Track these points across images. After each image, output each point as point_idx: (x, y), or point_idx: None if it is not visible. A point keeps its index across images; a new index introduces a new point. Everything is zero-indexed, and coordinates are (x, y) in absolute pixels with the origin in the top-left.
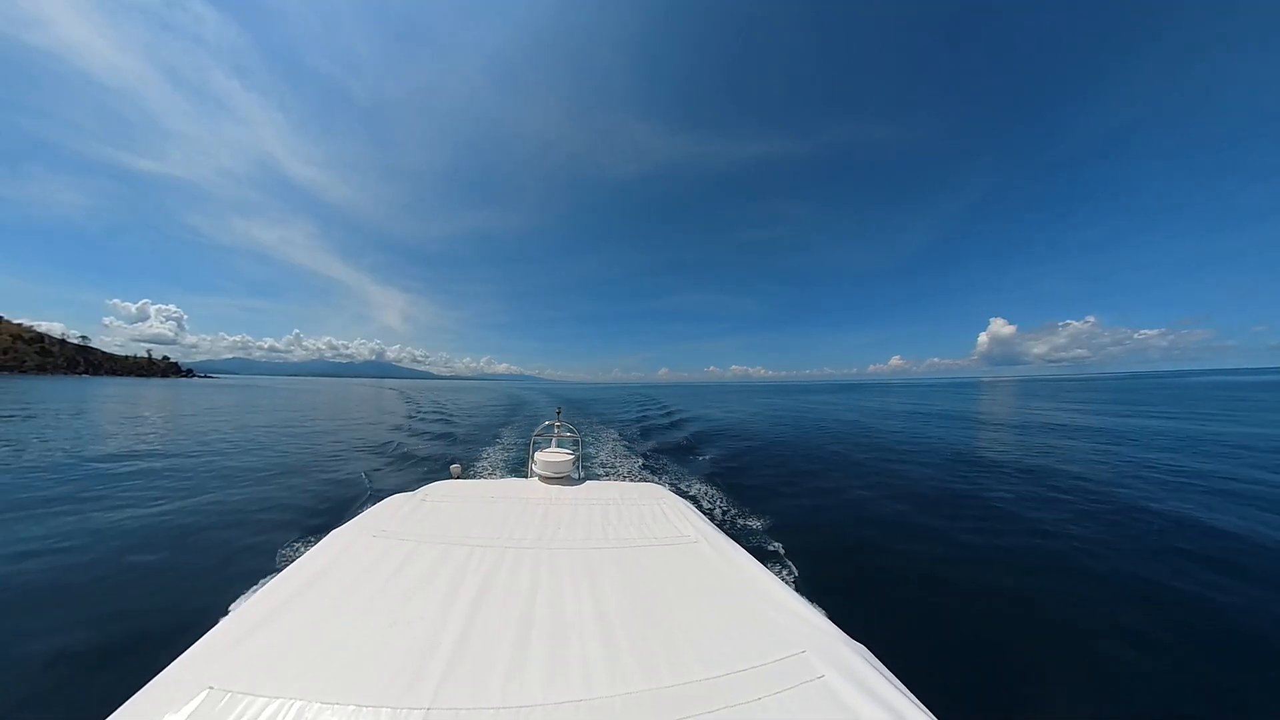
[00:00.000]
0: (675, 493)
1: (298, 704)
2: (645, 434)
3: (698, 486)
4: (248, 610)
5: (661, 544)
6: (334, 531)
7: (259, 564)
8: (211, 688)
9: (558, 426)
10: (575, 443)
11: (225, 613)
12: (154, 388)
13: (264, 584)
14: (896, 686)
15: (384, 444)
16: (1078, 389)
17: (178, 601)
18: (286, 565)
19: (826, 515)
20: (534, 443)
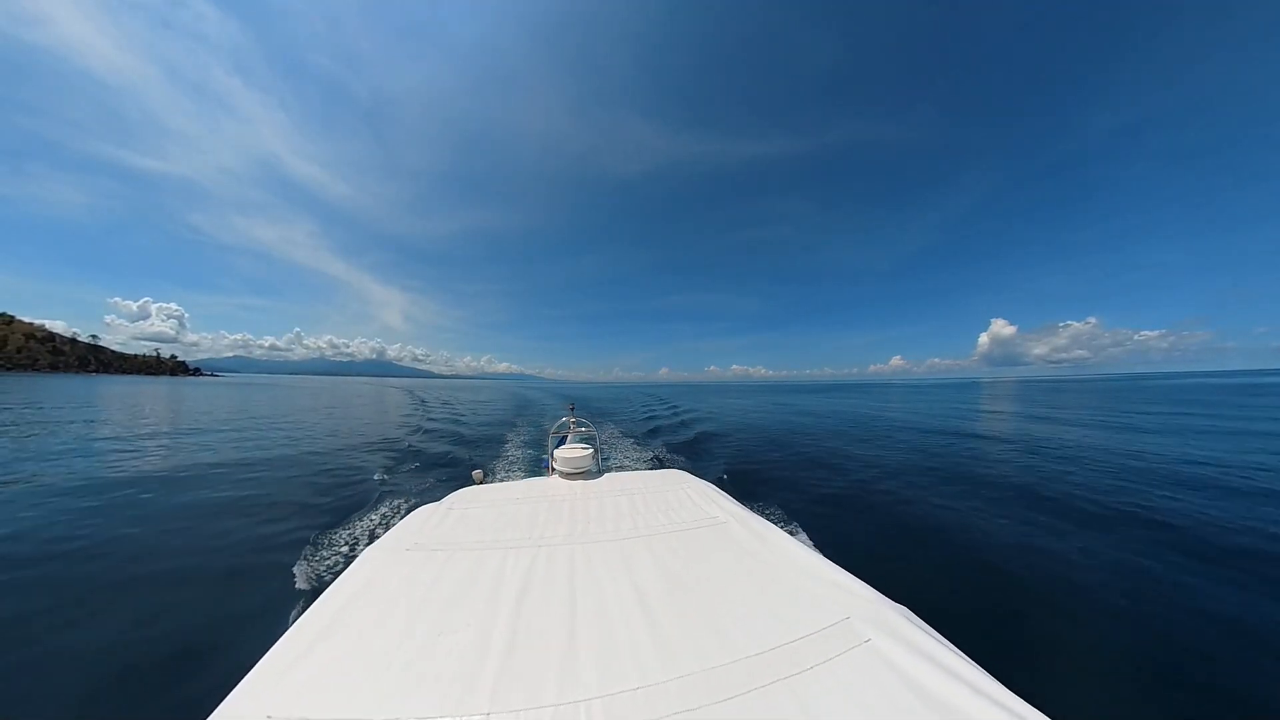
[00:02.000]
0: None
1: None
2: (653, 432)
3: (711, 475)
4: (295, 636)
5: (692, 527)
6: (366, 550)
7: (292, 570)
8: (270, 717)
9: (572, 423)
10: (591, 437)
11: (272, 642)
12: (165, 385)
13: (305, 610)
14: (942, 643)
15: (398, 445)
16: (1073, 390)
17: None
18: (322, 589)
19: (841, 495)
20: (551, 440)
